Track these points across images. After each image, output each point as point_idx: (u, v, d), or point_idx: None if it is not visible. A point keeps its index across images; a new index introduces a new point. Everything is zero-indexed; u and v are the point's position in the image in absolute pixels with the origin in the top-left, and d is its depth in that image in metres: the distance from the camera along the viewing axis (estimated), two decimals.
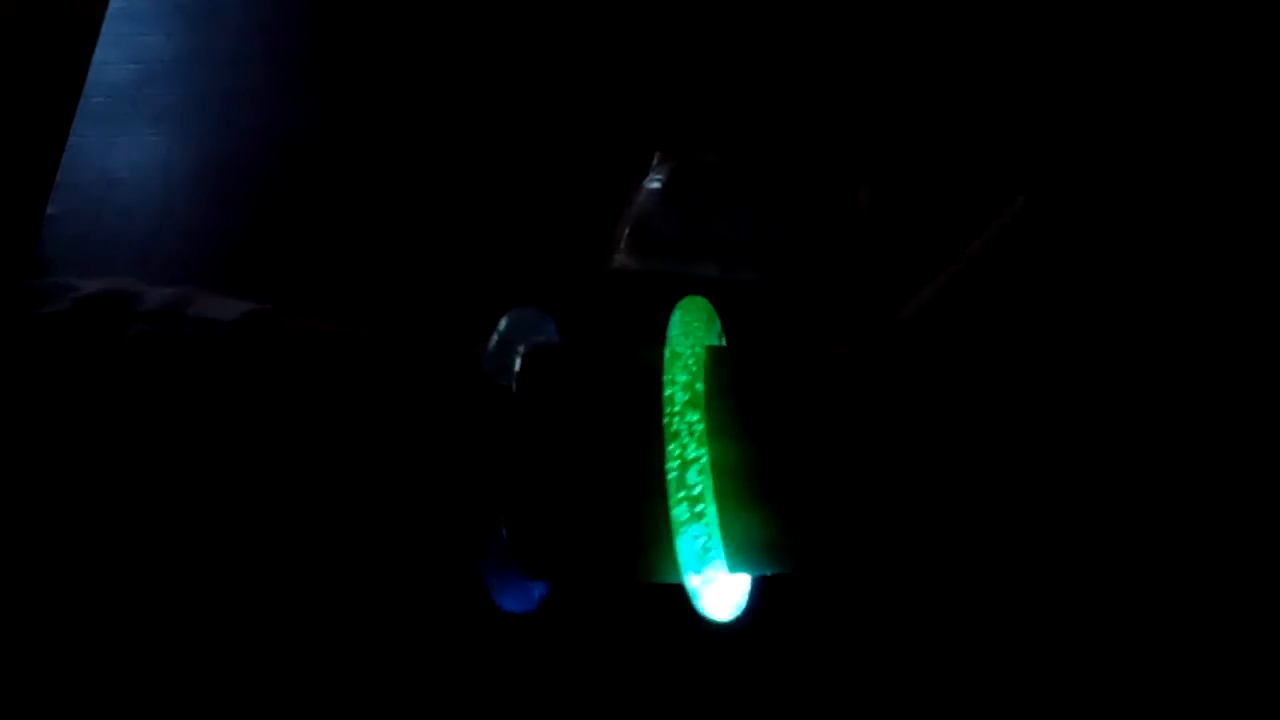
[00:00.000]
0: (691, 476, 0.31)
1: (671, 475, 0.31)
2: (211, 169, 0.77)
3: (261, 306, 0.40)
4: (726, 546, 0.32)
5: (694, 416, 0.32)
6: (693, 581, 0.33)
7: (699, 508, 0.31)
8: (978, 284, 0.35)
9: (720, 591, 0.33)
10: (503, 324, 0.36)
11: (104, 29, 0.86)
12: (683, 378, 0.33)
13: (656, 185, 0.70)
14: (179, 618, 0.49)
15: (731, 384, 0.33)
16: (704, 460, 0.31)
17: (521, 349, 0.36)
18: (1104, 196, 0.36)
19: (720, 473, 0.31)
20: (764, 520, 0.32)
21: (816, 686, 0.50)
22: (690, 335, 0.35)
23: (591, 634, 0.50)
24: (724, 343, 0.40)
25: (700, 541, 0.32)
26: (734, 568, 0.33)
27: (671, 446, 0.32)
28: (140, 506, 0.38)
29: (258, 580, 0.47)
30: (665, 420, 0.32)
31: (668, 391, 0.32)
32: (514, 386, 0.34)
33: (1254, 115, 0.36)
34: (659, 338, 0.35)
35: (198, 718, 0.50)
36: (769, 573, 0.35)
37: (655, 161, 0.72)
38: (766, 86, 0.78)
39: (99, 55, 0.84)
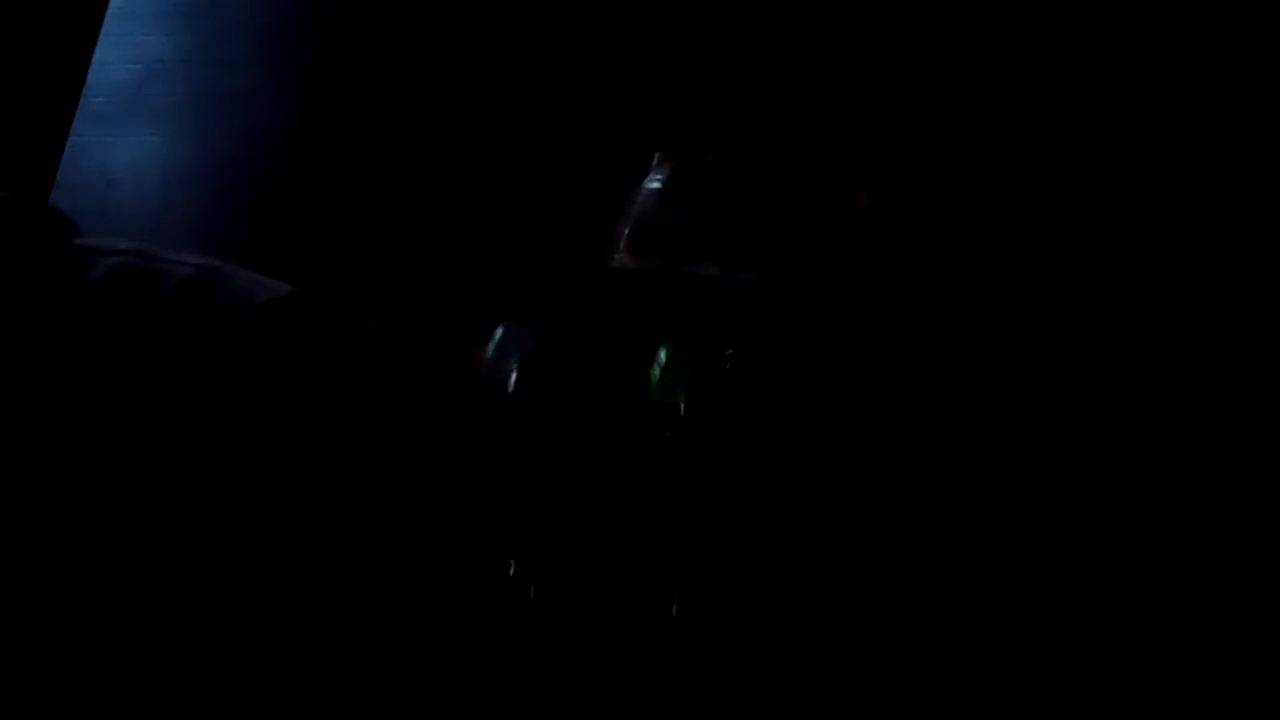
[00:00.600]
0: None
1: None
2: (211, 169, 0.77)
3: (288, 291, 0.39)
4: None
5: None
6: None
7: None
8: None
9: None
10: (499, 333, 0.36)
11: (104, 29, 0.86)
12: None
13: (656, 185, 0.70)
14: (182, 611, 0.49)
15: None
16: None
17: (517, 358, 0.36)
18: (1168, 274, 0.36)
19: None
20: None
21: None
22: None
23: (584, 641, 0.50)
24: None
25: None
26: None
27: None
28: (149, 491, 0.38)
29: (262, 572, 0.47)
30: None
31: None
32: (511, 392, 0.34)
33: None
34: (656, 339, 0.35)
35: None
36: None
37: (655, 161, 0.72)
38: (766, 87, 0.78)
39: (99, 55, 0.84)
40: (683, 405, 0.33)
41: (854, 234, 0.68)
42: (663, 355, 0.36)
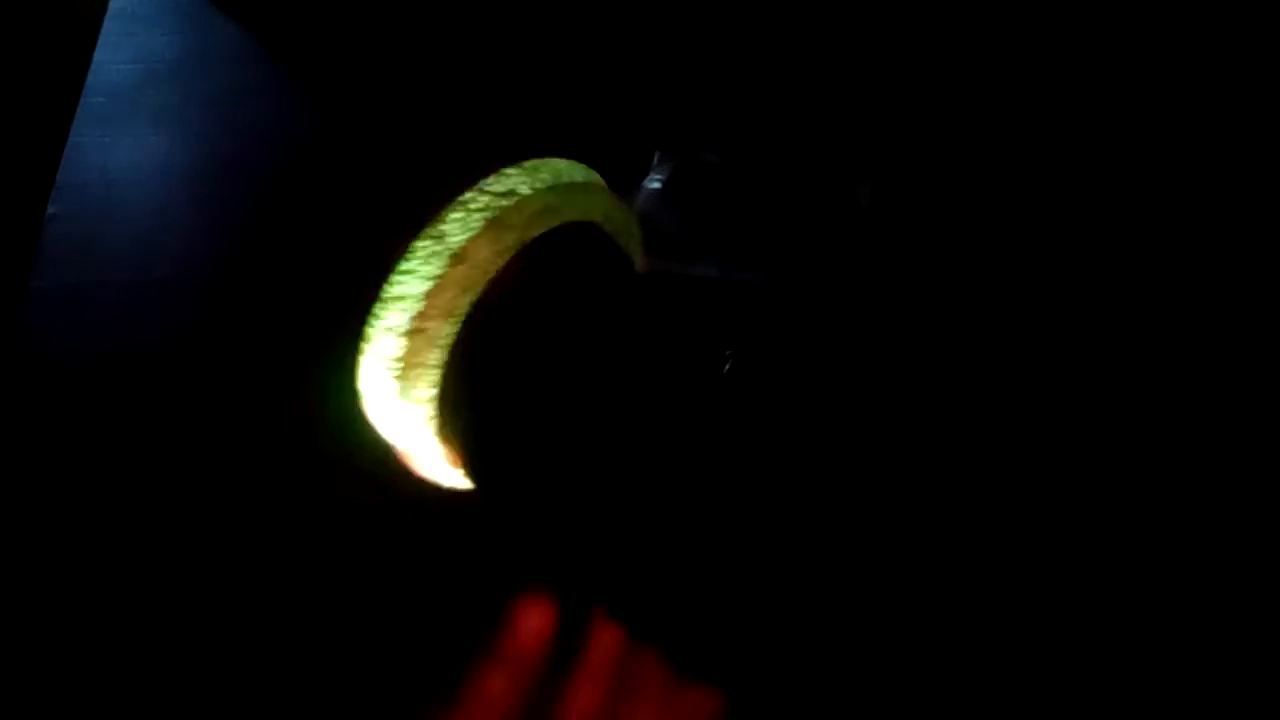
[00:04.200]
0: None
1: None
2: (211, 169, 0.77)
3: None
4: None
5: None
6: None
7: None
8: None
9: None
10: None
11: (104, 29, 0.86)
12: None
13: (656, 185, 0.70)
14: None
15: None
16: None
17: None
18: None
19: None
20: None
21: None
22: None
23: None
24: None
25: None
26: None
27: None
28: None
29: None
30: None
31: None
32: None
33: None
34: (656, 337, 0.35)
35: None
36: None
37: (655, 161, 0.72)
38: (767, 87, 0.78)
39: (99, 55, 0.84)
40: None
41: (854, 234, 0.68)
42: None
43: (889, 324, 0.64)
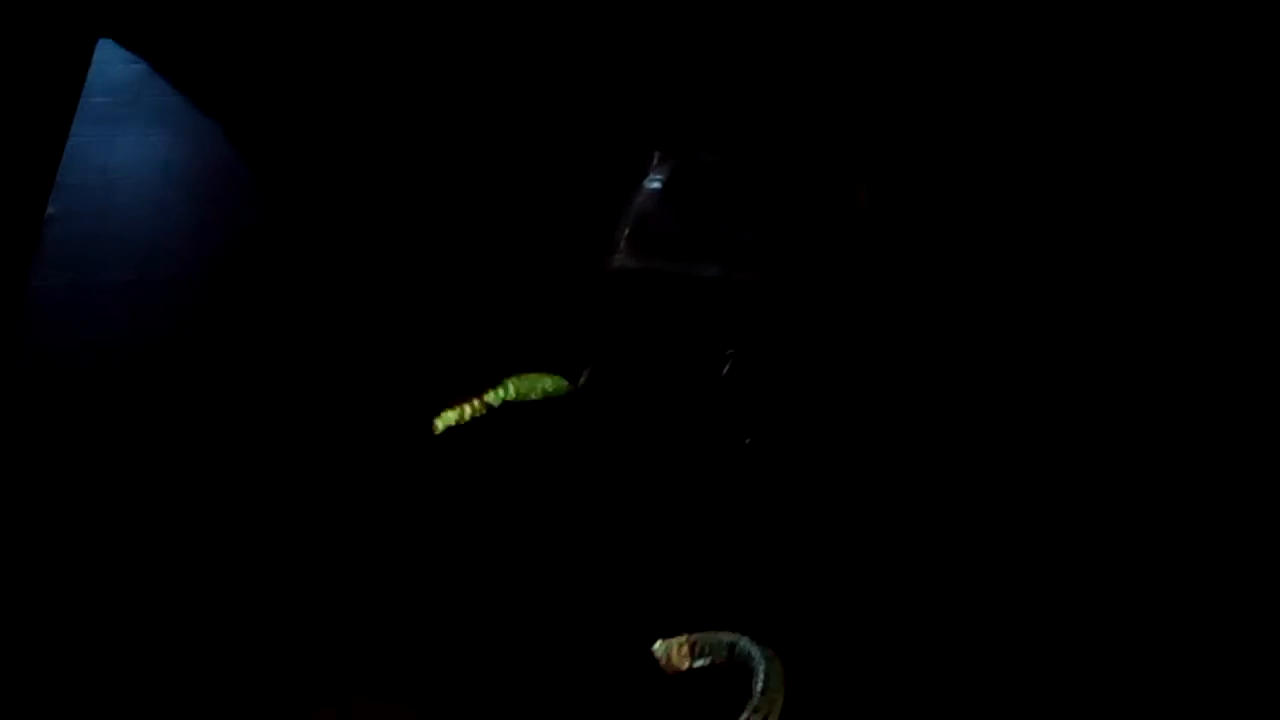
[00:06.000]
0: None
1: None
2: (210, 169, 0.77)
3: None
4: None
5: None
6: None
7: None
8: None
9: None
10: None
11: None
12: None
13: (656, 185, 0.70)
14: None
15: None
16: None
17: None
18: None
19: None
20: None
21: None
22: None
23: None
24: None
25: None
26: None
27: None
28: None
29: None
30: None
31: None
32: None
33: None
34: (657, 337, 0.35)
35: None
36: None
37: (655, 161, 0.72)
38: (766, 87, 0.78)
39: (99, 55, 0.84)
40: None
41: (854, 234, 0.68)
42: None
43: (888, 323, 0.64)
